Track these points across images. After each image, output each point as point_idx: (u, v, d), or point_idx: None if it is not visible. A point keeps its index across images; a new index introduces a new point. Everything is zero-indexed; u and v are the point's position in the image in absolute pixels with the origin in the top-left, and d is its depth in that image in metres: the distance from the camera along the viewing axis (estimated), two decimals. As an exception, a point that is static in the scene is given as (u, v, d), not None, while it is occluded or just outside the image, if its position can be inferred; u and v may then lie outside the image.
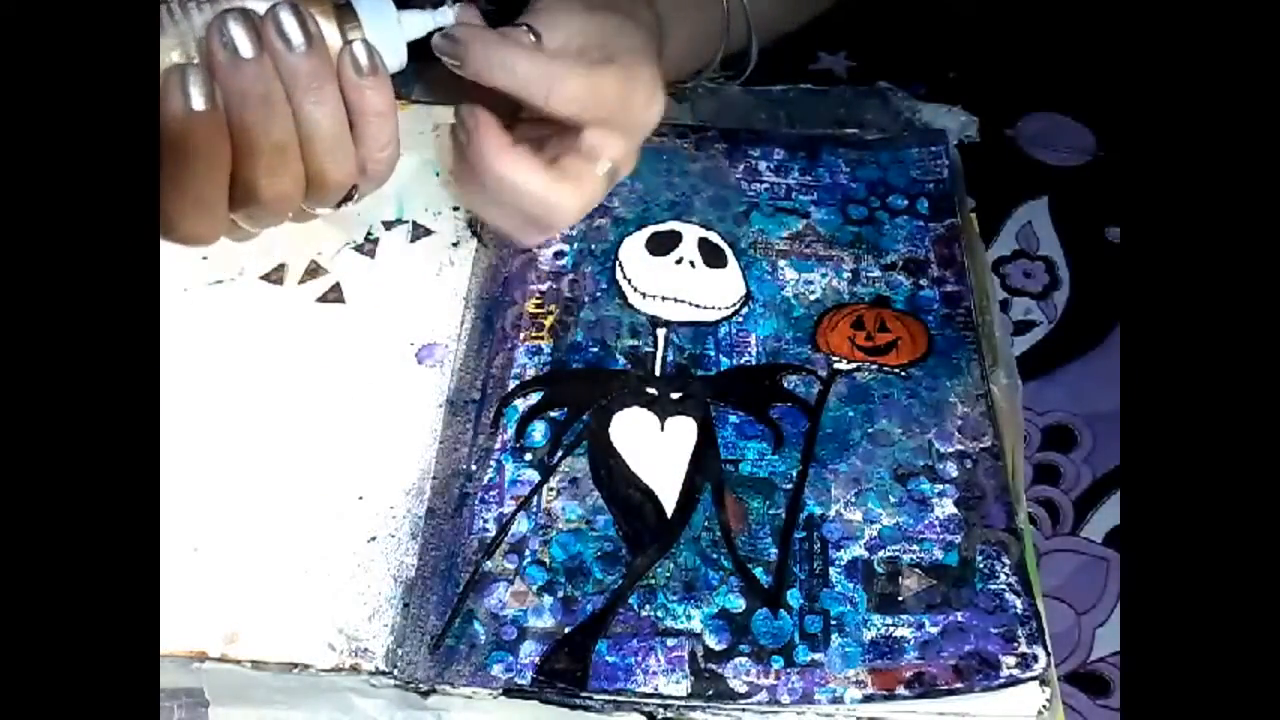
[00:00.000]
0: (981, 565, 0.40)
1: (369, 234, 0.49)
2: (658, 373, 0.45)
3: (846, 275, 0.49)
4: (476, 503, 0.41)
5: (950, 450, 0.43)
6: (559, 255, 0.49)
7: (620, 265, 0.49)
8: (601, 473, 0.42)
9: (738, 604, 0.39)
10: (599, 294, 0.48)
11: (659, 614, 0.39)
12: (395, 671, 0.38)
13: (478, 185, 0.44)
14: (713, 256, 0.49)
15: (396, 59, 0.42)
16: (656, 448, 0.43)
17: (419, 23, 0.42)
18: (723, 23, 0.52)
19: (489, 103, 0.43)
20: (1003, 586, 0.40)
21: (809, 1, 0.58)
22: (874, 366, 0.46)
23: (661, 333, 0.47)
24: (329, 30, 0.40)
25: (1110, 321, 0.53)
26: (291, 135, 0.39)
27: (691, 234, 0.50)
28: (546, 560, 0.40)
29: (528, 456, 0.43)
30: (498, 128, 0.43)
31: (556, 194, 0.43)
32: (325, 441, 0.43)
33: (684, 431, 0.44)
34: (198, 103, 0.37)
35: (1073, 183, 0.49)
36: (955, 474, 0.43)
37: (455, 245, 0.49)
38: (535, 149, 0.44)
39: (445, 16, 0.42)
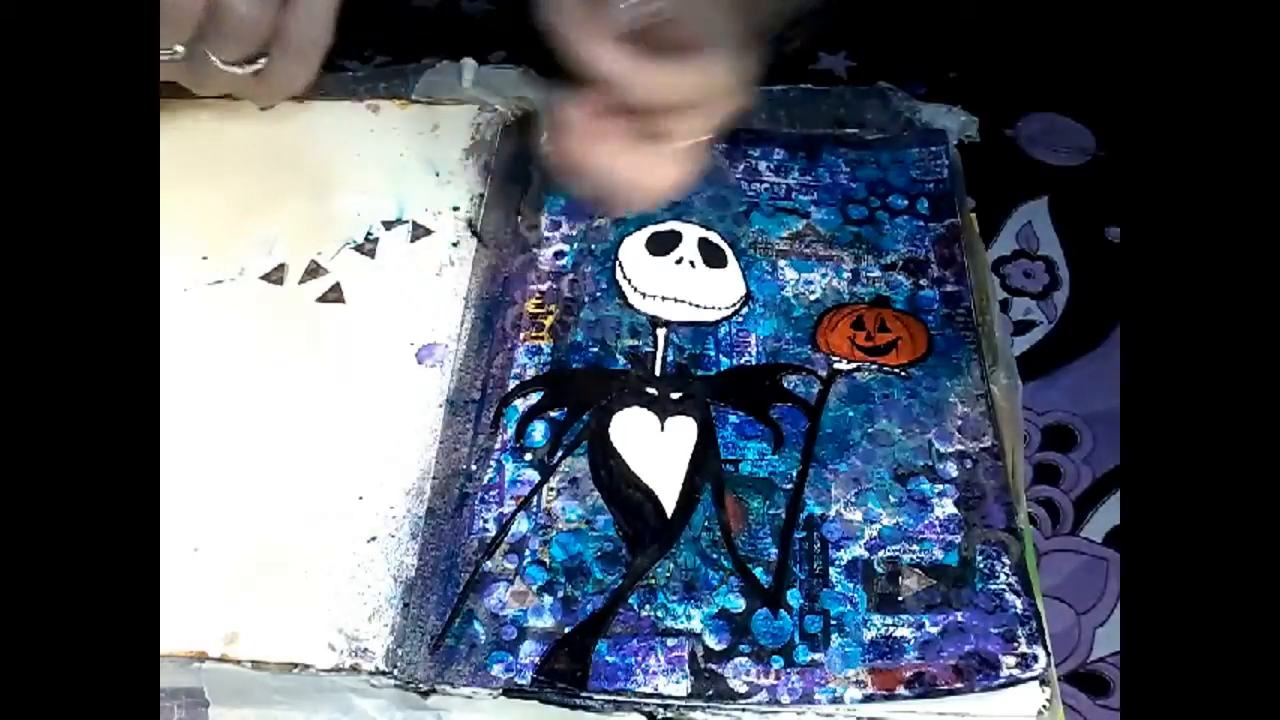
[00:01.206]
0: (981, 565, 0.40)
1: (369, 234, 0.49)
2: (658, 373, 0.45)
3: (846, 275, 0.49)
4: (476, 503, 0.41)
5: (950, 450, 0.43)
6: (559, 255, 0.49)
7: (620, 265, 0.49)
8: (601, 473, 0.42)
9: (738, 604, 0.39)
10: (599, 294, 0.48)
11: (659, 614, 0.39)
12: (395, 671, 0.38)
13: (570, 169, 0.45)
14: (713, 256, 0.49)
15: None
16: (656, 448, 0.43)
17: None
18: None
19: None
20: (1003, 586, 0.40)
21: None
22: (874, 366, 0.46)
23: (661, 333, 0.47)
24: None
25: (1110, 321, 0.53)
26: None
27: (691, 234, 0.50)
28: (546, 560, 0.40)
29: (528, 456, 0.43)
30: (588, 123, 0.44)
31: (643, 178, 0.45)
32: (325, 441, 0.43)
33: (684, 431, 0.44)
34: None
35: (1073, 183, 0.49)
36: (955, 474, 0.43)
37: (455, 245, 0.49)
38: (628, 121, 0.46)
39: None
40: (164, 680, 0.37)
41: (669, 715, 0.37)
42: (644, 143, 0.46)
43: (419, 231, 0.49)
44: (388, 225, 0.49)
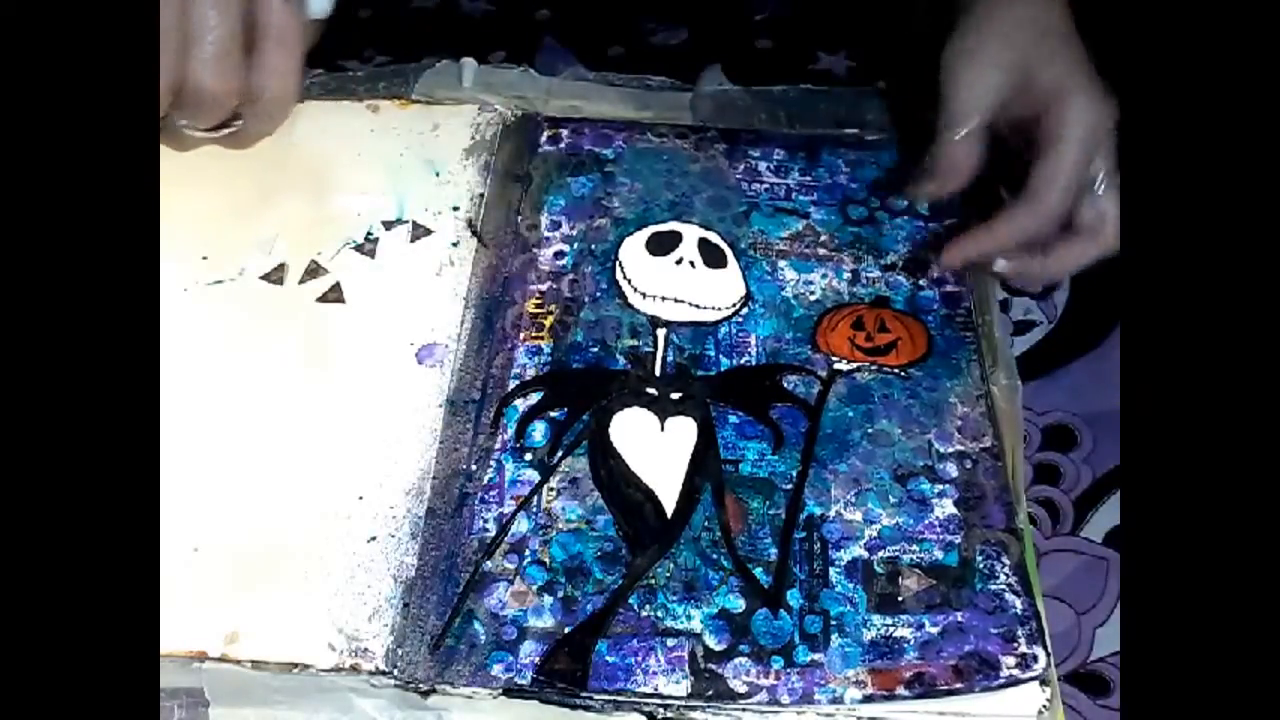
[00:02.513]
0: (981, 565, 0.40)
1: (369, 234, 0.49)
2: (658, 373, 0.45)
3: (846, 275, 0.49)
4: (476, 503, 0.41)
5: (950, 450, 0.43)
6: (559, 255, 0.49)
7: (620, 265, 0.49)
8: (601, 473, 0.42)
9: (738, 604, 0.39)
10: (599, 294, 0.48)
11: (659, 614, 0.39)
12: (395, 671, 0.38)
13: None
14: (713, 257, 0.49)
15: (320, 2, 0.42)
16: (656, 448, 0.43)
17: None
18: None
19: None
20: (1003, 586, 0.40)
21: None
22: (874, 367, 0.46)
23: (661, 333, 0.47)
24: None
25: (1110, 321, 0.53)
26: (173, 26, 0.37)
27: (692, 234, 0.50)
28: (546, 560, 0.40)
29: (528, 456, 0.43)
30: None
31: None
32: (325, 441, 0.43)
33: (684, 432, 0.44)
34: None
35: (1072, 183, 0.49)
36: (955, 474, 0.43)
37: (455, 245, 0.49)
38: None
39: None
40: (164, 680, 0.38)
41: (669, 715, 0.37)
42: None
43: (419, 231, 0.49)
44: (388, 225, 0.49)
